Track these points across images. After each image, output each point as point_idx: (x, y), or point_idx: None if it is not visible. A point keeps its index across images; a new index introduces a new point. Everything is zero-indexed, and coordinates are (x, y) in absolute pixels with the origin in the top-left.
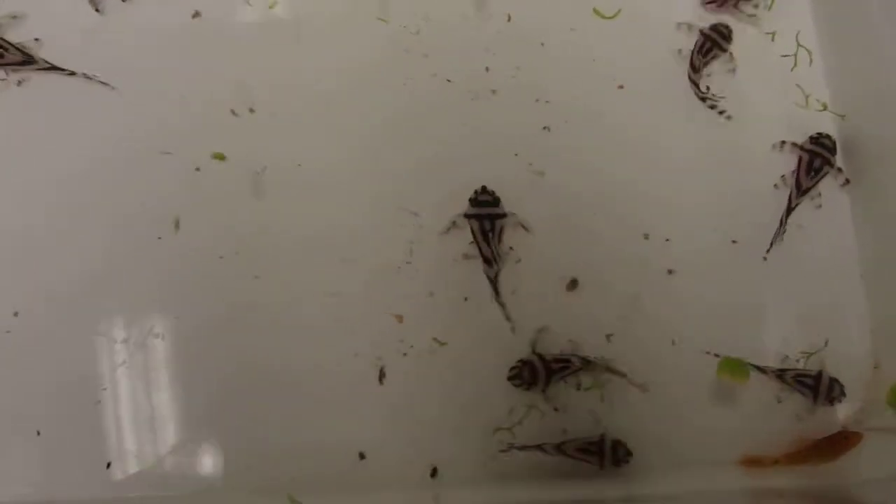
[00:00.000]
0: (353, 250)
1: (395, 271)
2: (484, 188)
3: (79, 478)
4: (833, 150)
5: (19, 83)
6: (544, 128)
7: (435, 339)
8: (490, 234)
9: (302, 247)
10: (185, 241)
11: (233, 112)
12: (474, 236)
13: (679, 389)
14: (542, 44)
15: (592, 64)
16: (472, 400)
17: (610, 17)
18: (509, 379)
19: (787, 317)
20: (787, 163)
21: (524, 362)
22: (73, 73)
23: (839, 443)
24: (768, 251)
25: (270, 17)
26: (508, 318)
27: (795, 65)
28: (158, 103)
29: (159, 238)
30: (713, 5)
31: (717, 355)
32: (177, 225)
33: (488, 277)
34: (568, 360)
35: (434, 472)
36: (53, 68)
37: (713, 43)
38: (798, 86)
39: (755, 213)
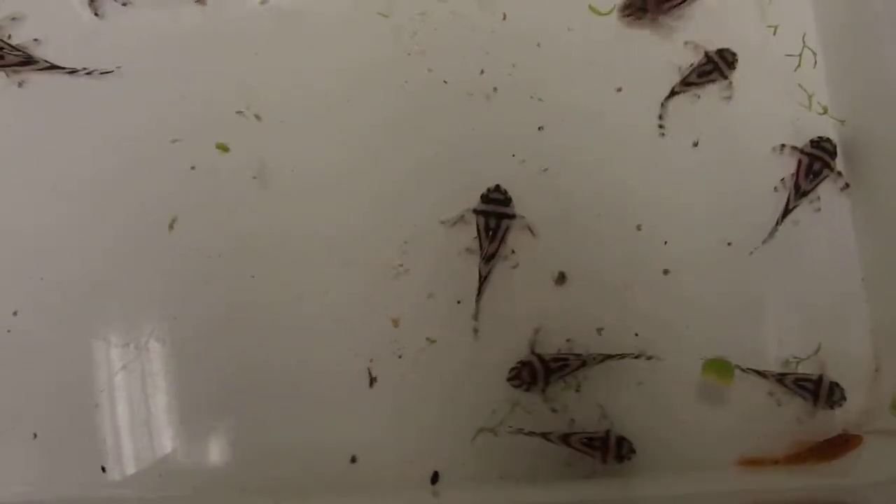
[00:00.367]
0: (352, 251)
1: (393, 273)
2: (497, 187)
3: (77, 478)
4: (833, 154)
5: (20, 85)
6: (539, 128)
7: (431, 340)
8: (494, 232)
9: (300, 247)
10: (184, 240)
11: (233, 112)
12: (478, 231)
13: (680, 391)
14: (539, 44)
15: (589, 64)
16: (470, 402)
17: (605, 14)
18: (509, 380)
19: (788, 320)
20: (787, 166)
21: (523, 363)
22: (73, 71)
23: (839, 445)
24: (756, 248)
25: (270, 18)
26: (476, 318)
27: (799, 65)
28: (158, 104)
29: (159, 238)
30: (630, 18)
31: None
32: (172, 225)
33: (480, 274)
34: (566, 360)
35: (435, 478)
36: (53, 67)
37: (714, 66)
38: (800, 85)
39: (755, 216)
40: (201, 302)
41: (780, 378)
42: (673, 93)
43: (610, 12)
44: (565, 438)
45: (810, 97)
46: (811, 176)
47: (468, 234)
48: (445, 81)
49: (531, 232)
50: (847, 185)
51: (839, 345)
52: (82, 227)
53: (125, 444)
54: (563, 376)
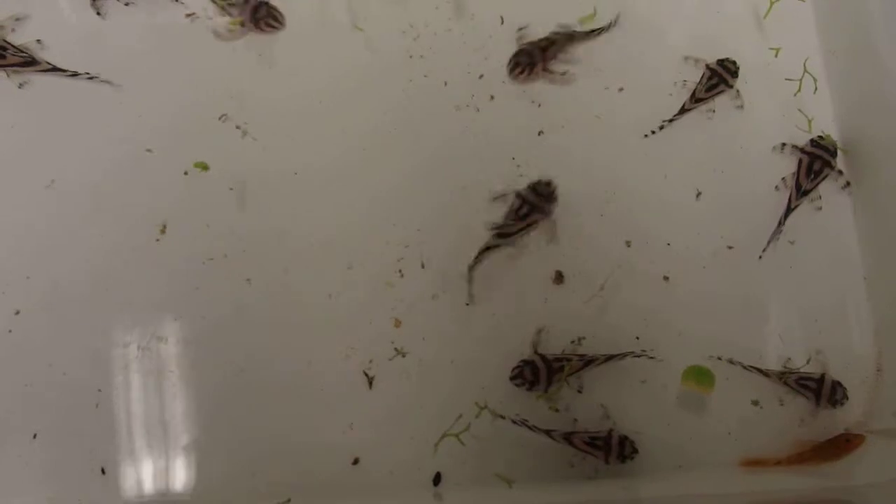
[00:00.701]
0: (353, 253)
1: (394, 275)
2: (549, 182)
3: (76, 479)
4: (833, 153)
5: (20, 86)
6: (539, 132)
7: (433, 342)
8: (523, 218)
9: (302, 249)
10: (186, 241)
11: (235, 115)
12: (510, 210)
13: (682, 391)
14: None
15: (589, 65)
16: (471, 403)
17: (588, 17)
18: (511, 379)
19: (790, 319)
20: (788, 165)
21: (526, 362)
22: (75, 74)
23: (841, 445)
24: (764, 251)
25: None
26: (470, 284)
27: (802, 79)
28: (160, 106)
29: (161, 238)
30: (523, 76)
31: (719, 358)
32: (166, 229)
33: (488, 245)
34: (569, 360)
35: (437, 479)
36: (55, 69)
37: (720, 79)
38: (800, 110)
39: (755, 216)
40: (204, 303)
41: (782, 377)
42: (684, 110)
43: (592, 16)
44: (568, 437)
45: (814, 90)
46: (812, 175)
47: (468, 246)
48: (445, 83)
49: (552, 235)
50: (848, 184)
51: (841, 344)
52: (84, 228)
53: (125, 446)
54: (565, 376)
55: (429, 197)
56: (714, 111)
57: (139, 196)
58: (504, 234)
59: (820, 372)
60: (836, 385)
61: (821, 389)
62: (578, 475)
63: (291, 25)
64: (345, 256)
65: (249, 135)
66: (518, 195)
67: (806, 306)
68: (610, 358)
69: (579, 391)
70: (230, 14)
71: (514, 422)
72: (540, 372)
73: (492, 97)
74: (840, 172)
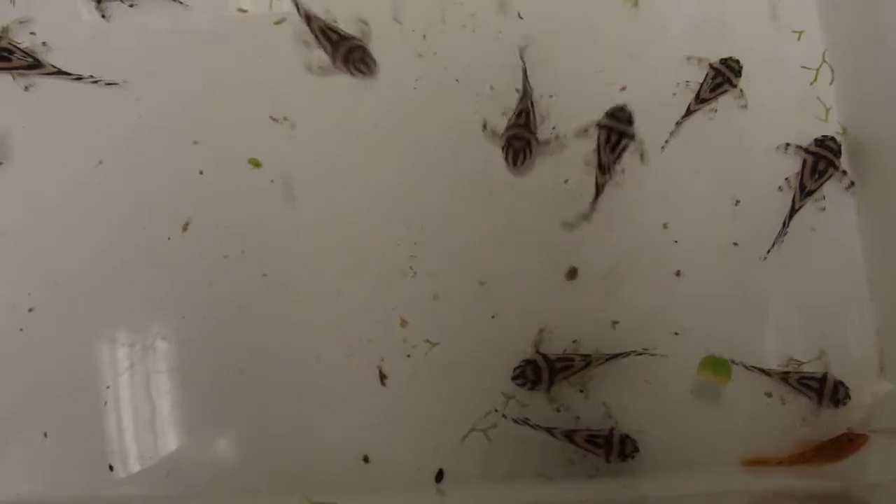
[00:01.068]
0: (362, 251)
1: (402, 273)
2: (623, 107)
3: (84, 476)
4: (838, 153)
5: (26, 88)
6: (553, 127)
7: (438, 341)
8: (613, 147)
9: (310, 247)
10: (192, 242)
11: (242, 114)
12: (598, 145)
13: (685, 390)
14: (545, 43)
15: (596, 64)
16: (476, 401)
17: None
18: (513, 379)
19: (793, 319)
20: (792, 165)
21: (528, 362)
22: (80, 78)
23: (844, 445)
24: (769, 251)
25: (273, 19)
26: (595, 201)
27: (816, 79)
28: (164, 107)
29: (167, 239)
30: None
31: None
32: (186, 227)
33: (597, 183)
34: (571, 360)
35: (440, 475)
36: (60, 73)
37: (724, 78)
38: (814, 100)
39: (760, 216)
40: (209, 302)
41: (785, 377)
42: (689, 111)
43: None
44: (569, 435)
45: (819, 84)
46: (816, 175)
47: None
48: (457, 80)
49: (642, 158)
50: (852, 184)
51: (844, 343)
52: (90, 230)
53: (132, 443)
54: (567, 377)
55: (439, 194)
56: (716, 111)
57: (142, 197)
58: (604, 167)
59: (822, 371)
60: (839, 384)
61: (823, 389)
62: (579, 473)
63: (297, 29)
64: (349, 256)
65: (256, 135)
66: (601, 127)
67: (809, 306)
68: (612, 357)
69: (581, 391)
70: (325, 49)
71: (515, 421)
72: (542, 371)
73: (494, 88)
74: (844, 173)
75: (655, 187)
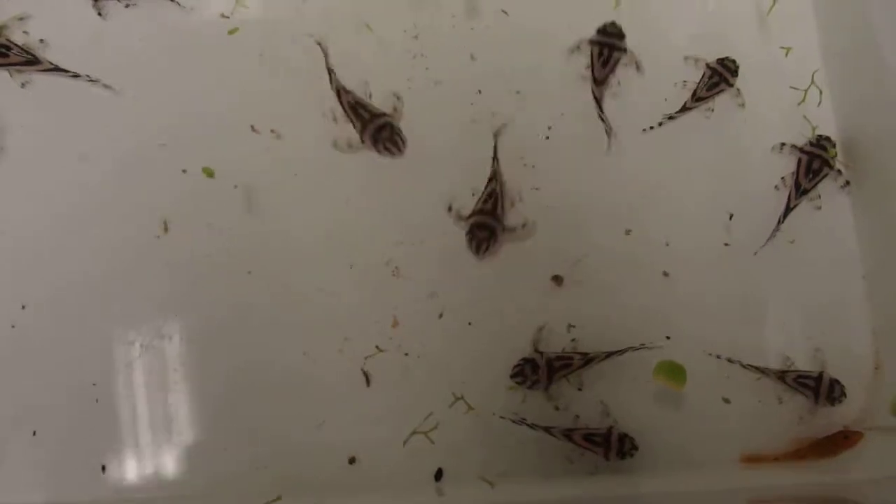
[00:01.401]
0: (352, 251)
1: (394, 273)
2: (614, 22)
3: (76, 477)
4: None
5: (23, 85)
6: (549, 127)
7: (430, 340)
8: (606, 61)
9: (300, 247)
10: (187, 240)
11: (234, 114)
12: (591, 60)
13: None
14: (537, 44)
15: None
16: (473, 400)
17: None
18: (512, 377)
19: (789, 318)
20: (788, 164)
21: (526, 360)
22: (76, 76)
23: (840, 442)
24: (762, 247)
25: (271, 22)
26: (608, 133)
27: (811, 86)
28: (161, 106)
29: (162, 237)
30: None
31: (718, 356)
32: (167, 227)
33: (594, 96)
34: (570, 359)
35: (439, 474)
36: (57, 70)
37: (720, 77)
38: (805, 117)
39: (755, 215)
40: (203, 302)
41: (781, 375)
42: (685, 108)
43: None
44: (568, 433)
45: (805, 91)
46: (811, 174)
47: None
48: (438, 82)
49: (637, 68)
50: (847, 183)
51: (840, 342)
52: (86, 228)
53: (126, 443)
54: (566, 375)
55: (430, 195)
56: (713, 110)
57: (141, 196)
58: (601, 81)
59: (818, 370)
60: (835, 383)
61: (819, 387)
62: (578, 471)
63: (295, 28)
64: (345, 256)
65: (251, 135)
66: (593, 43)
67: (805, 305)
68: (610, 355)
69: (579, 389)
70: (354, 125)
71: (513, 421)
72: (540, 370)
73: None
74: (839, 172)
75: (651, 187)
